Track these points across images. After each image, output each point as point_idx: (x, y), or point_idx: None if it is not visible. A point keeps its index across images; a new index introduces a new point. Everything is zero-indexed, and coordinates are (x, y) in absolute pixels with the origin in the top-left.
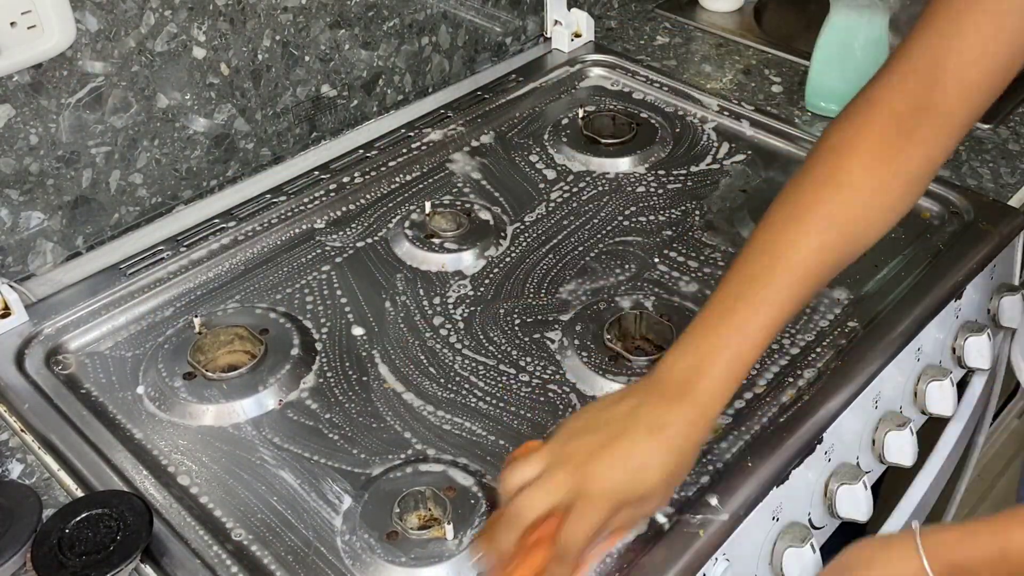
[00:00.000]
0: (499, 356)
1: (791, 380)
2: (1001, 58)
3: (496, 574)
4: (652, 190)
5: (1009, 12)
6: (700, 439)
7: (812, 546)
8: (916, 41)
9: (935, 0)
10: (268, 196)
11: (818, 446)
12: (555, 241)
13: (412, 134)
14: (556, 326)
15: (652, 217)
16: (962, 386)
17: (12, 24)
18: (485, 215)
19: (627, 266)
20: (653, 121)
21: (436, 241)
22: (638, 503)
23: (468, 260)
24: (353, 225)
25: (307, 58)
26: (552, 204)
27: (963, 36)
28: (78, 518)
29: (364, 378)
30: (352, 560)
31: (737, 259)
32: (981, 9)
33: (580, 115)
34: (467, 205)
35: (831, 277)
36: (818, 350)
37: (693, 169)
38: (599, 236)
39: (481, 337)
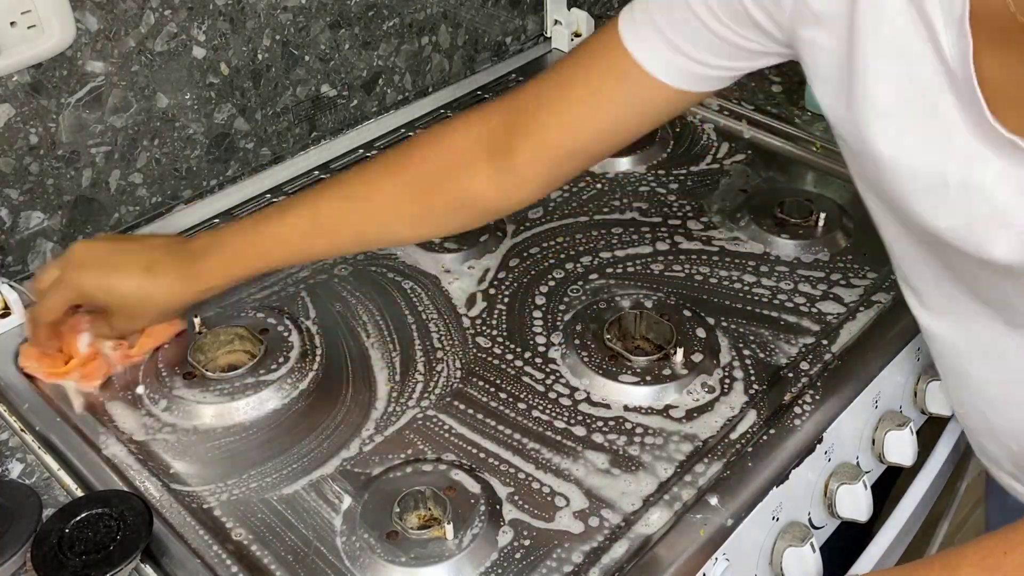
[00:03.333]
0: (499, 355)
1: (791, 380)
2: (592, 131)
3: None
4: (652, 190)
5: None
6: (181, 297)
7: (812, 546)
8: (524, 89)
9: (562, 65)
10: (268, 196)
11: (818, 446)
12: (555, 241)
13: (412, 134)
14: (556, 325)
15: (652, 217)
16: None
17: (12, 24)
18: None
19: (627, 266)
20: None
21: (436, 241)
22: (111, 313)
23: (468, 260)
24: None
25: (307, 58)
26: (552, 204)
27: (561, 104)
28: (78, 518)
29: (364, 378)
30: (352, 560)
31: (296, 196)
32: (576, 96)
33: None
34: None
35: (358, 247)
36: (817, 350)
37: (693, 169)
38: (599, 236)
39: (480, 337)
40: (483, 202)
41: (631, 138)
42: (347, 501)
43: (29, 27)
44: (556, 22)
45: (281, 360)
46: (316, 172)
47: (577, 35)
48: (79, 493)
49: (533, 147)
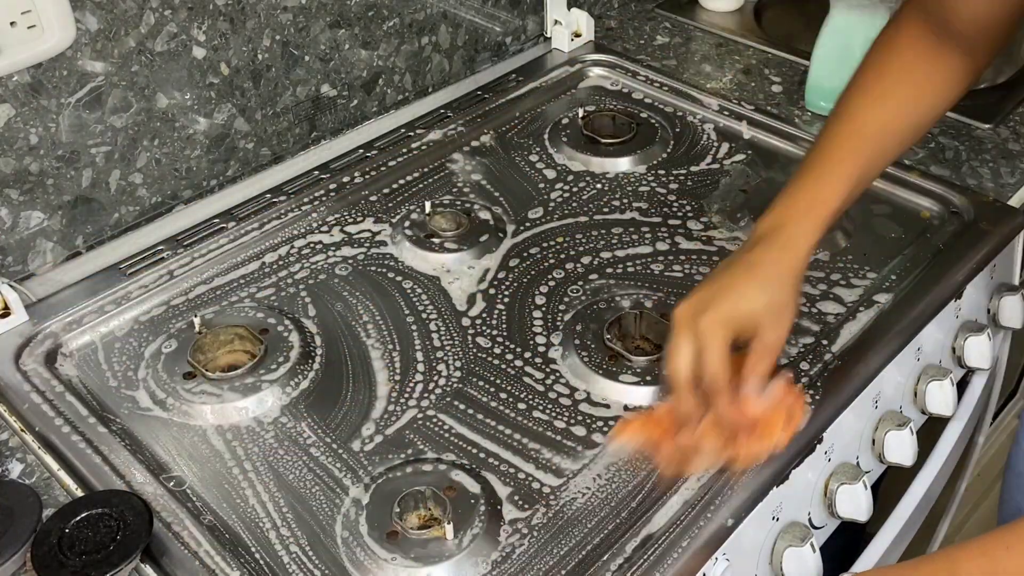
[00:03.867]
0: (499, 355)
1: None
2: None
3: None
4: (652, 190)
5: None
6: (793, 269)
7: (812, 546)
8: None
9: None
10: (268, 196)
11: (818, 446)
12: (555, 241)
13: (412, 134)
14: (556, 325)
15: (652, 217)
16: (962, 386)
17: (12, 24)
18: (485, 215)
19: (627, 266)
20: (653, 121)
21: (436, 241)
22: (755, 328)
23: (468, 260)
24: (353, 225)
25: (307, 58)
26: (552, 204)
27: None
28: (78, 518)
29: (364, 378)
30: (352, 560)
31: (816, 139)
32: None
33: (580, 115)
34: (467, 205)
35: (898, 152)
36: (817, 350)
37: (693, 169)
38: (599, 236)
39: (480, 337)
40: (956, 82)
41: None
42: (347, 501)
43: (29, 27)
44: (556, 22)
45: (281, 360)
46: (316, 172)
47: (577, 35)
48: (79, 493)
49: (967, 19)
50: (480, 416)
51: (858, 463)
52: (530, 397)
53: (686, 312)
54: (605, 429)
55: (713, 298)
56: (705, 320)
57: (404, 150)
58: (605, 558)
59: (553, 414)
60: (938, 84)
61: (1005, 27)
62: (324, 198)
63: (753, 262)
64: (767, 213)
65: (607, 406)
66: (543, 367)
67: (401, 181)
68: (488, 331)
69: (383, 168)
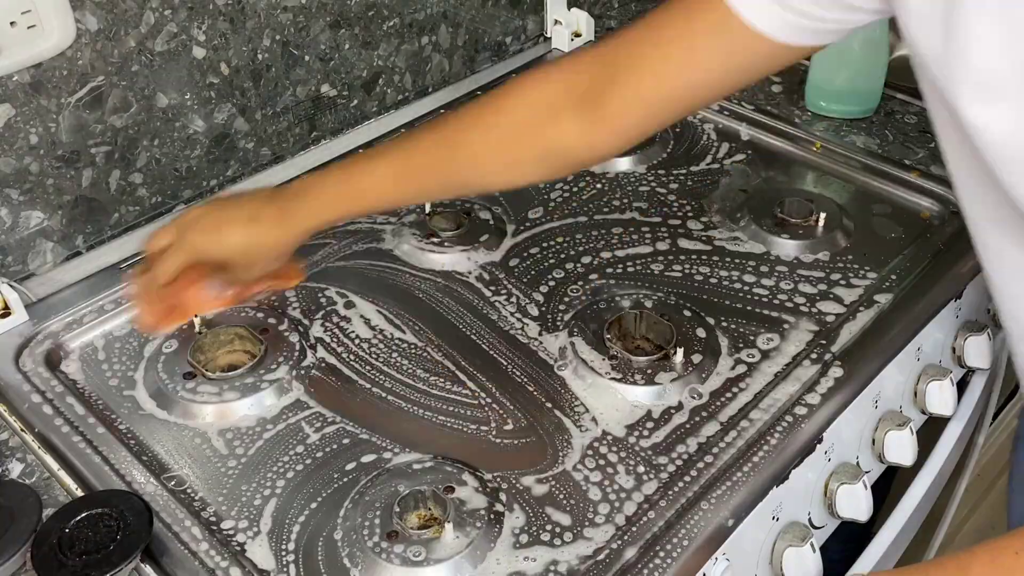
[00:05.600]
0: (499, 356)
1: (791, 380)
2: (684, 84)
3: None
4: (652, 190)
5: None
6: (286, 239)
7: (812, 546)
8: (618, 37)
9: (656, 14)
10: None
11: (818, 446)
12: (555, 241)
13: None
14: (556, 325)
15: (652, 217)
16: (962, 386)
17: (12, 24)
18: (485, 215)
19: (627, 266)
20: None
21: (436, 241)
22: (227, 266)
23: (468, 260)
24: (353, 225)
25: (307, 58)
26: (552, 204)
27: (655, 54)
28: (78, 518)
29: (364, 377)
30: (352, 560)
31: (399, 137)
32: (671, 49)
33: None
34: (467, 205)
35: (449, 195)
36: (817, 350)
37: (693, 169)
38: (599, 236)
39: (481, 337)
40: (571, 153)
41: (727, 92)
42: (347, 501)
43: (29, 27)
44: (556, 22)
45: (281, 360)
46: (316, 172)
47: (577, 35)
48: (79, 493)
49: (624, 99)
50: (481, 415)
51: (858, 463)
52: (531, 396)
53: (188, 218)
54: (600, 431)
55: (212, 225)
56: (189, 237)
57: None
58: (605, 558)
59: (554, 413)
60: (548, 138)
61: (660, 122)
62: None
63: (261, 217)
64: (313, 175)
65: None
66: (543, 367)
67: None
68: (488, 331)
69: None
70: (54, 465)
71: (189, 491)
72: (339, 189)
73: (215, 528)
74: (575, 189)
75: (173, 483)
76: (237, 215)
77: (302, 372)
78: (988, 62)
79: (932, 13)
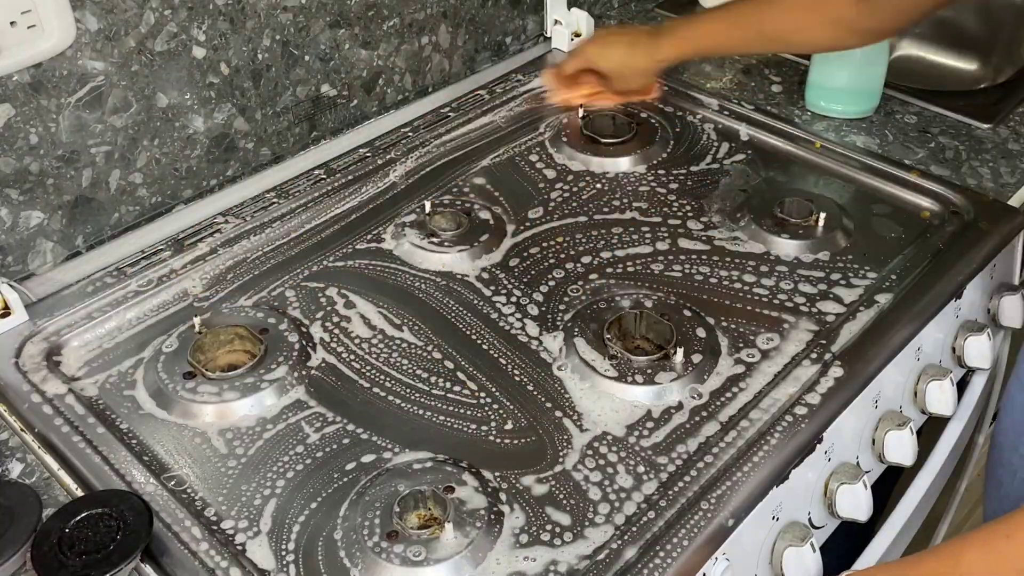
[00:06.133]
0: (499, 355)
1: (791, 380)
2: None
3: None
4: (652, 190)
5: None
6: (654, 63)
7: (812, 545)
8: None
9: None
10: (268, 195)
11: (818, 445)
12: (555, 241)
13: (412, 134)
14: (556, 325)
15: (652, 217)
16: (962, 386)
17: (12, 24)
18: (485, 215)
19: (627, 266)
20: (653, 121)
21: (436, 241)
22: (609, 76)
23: (468, 260)
24: (353, 225)
25: (307, 58)
26: (552, 204)
27: None
28: (78, 518)
29: (364, 377)
30: (352, 560)
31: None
32: None
33: (580, 115)
34: (467, 205)
35: (778, 47)
36: (817, 350)
37: (693, 169)
38: (599, 236)
39: (481, 337)
40: (848, 23)
41: None
42: (347, 501)
43: (29, 27)
44: (556, 22)
45: (281, 360)
46: (316, 172)
47: (577, 35)
48: (79, 493)
49: None
50: (481, 415)
51: (858, 463)
52: (531, 396)
53: (590, 41)
54: (601, 430)
55: (604, 43)
56: (585, 47)
57: (404, 150)
58: (605, 558)
59: (554, 413)
60: (827, 16)
61: (919, 8)
62: (324, 198)
63: (637, 42)
64: (678, 19)
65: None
66: (543, 367)
67: (401, 181)
68: (488, 331)
69: (383, 168)
70: (54, 465)
71: (189, 491)
72: (688, 34)
73: (215, 528)
74: (575, 189)
75: (173, 483)
76: (621, 39)
77: (302, 372)
78: None
79: None
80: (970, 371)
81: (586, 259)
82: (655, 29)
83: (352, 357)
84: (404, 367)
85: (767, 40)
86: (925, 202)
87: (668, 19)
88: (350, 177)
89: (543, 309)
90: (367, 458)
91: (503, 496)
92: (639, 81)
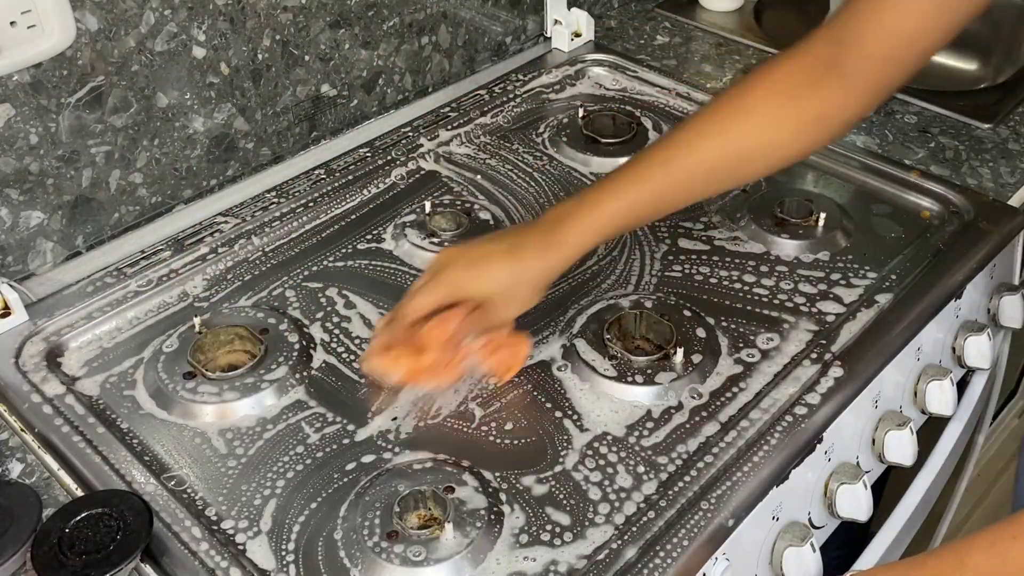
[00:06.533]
0: None
1: (791, 379)
2: (902, 35)
3: (379, 360)
4: None
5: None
6: (549, 268)
7: (812, 545)
8: (837, 12)
9: None
10: (268, 195)
11: (818, 446)
12: None
13: (412, 134)
14: (556, 326)
15: None
16: (962, 386)
17: (12, 24)
18: (485, 215)
19: (626, 266)
20: (653, 121)
21: (436, 241)
22: (487, 304)
23: None
24: (353, 225)
25: (307, 58)
26: (552, 204)
27: (871, 13)
28: (78, 518)
29: (364, 378)
30: (352, 560)
31: (642, 150)
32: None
33: (580, 115)
34: (467, 205)
35: (711, 192)
36: (817, 350)
37: None
38: None
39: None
40: (828, 119)
41: (945, 36)
42: (347, 501)
43: (29, 27)
44: (556, 22)
45: (281, 360)
46: (316, 172)
47: (577, 35)
48: (79, 493)
49: (857, 61)
50: (481, 415)
51: (858, 463)
52: (530, 396)
53: (444, 258)
54: (602, 429)
55: (471, 261)
56: (447, 274)
57: (404, 150)
58: (605, 558)
59: (553, 414)
60: (810, 110)
61: (893, 73)
62: (324, 197)
63: (523, 247)
64: (563, 201)
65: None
66: (542, 367)
67: (401, 181)
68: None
69: (383, 167)
70: (54, 465)
71: (189, 491)
72: (601, 211)
73: (215, 528)
74: (575, 189)
75: (173, 483)
76: (495, 249)
77: (302, 372)
78: None
79: None
80: (970, 371)
81: (586, 259)
82: (533, 225)
83: (352, 357)
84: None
85: (718, 179)
86: (925, 202)
87: (667, 23)
88: (350, 177)
89: (543, 309)
90: (367, 458)
91: (503, 496)
92: (531, 300)
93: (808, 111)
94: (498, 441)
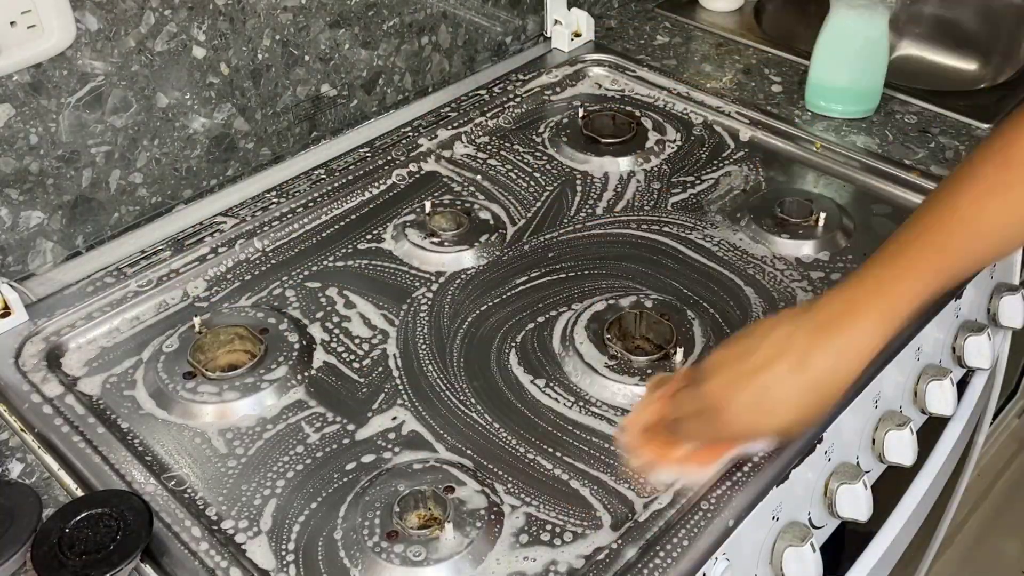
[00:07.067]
0: (499, 356)
1: None
2: None
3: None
4: (652, 190)
5: None
6: (844, 381)
7: (812, 545)
8: None
9: None
10: (268, 195)
11: (818, 446)
12: (555, 241)
13: (412, 134)
14: (556, 326)
15: (652, 216)
16: (962, 386)
17: (12, 24)
18: (485, 215)
19: (627, 265)
20: (653, 121)
21: (436, 241)
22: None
23: (468, 260)
24: (353, 225)
25: (307, 58)
26: (551, 204)
27: None
28: (78, 518)
29: (364, 378)
30: (352, 560)
31: (919, 210)
32: None
33: (580, 114)
34: (467, 205)
35: (1003, 255)
36: None
37: (693, 168)
38: (599, 236)
39: (481, 337)
40: None
41: None
42: (347, 500)
43: (29, 27)
44: (556, 22)
45: (281, 360)
46: (316, 172)
47: (577, 35)
48: (79, 493)
49: None
50: (480, 415)
51: (858, 463)
52: (530, 396)
53: (718, 391)
54: (604, 430)
55: (748, 385)
56: (729, 417)
57: (404, 150)
58: (605, 558)
59: (553, 415)
60: None
61: None
62: (324, 198)
63: (810, 363)
64: (842, 283)
65: (607, 406)
66: (542, 367)
67: (401, 181)
68: (488, 331)
69: (383, 167)
70: (54, 465)
71: (189, 491)
72: (885, 309)
73: (215, 528)
74: (575, 189)
75: (173, 483)
76: (778, 366)
77: (302, 372)
78: None
79: None
80: (970, 371)
81: (586, 259)
82: (812, 312)
83: (352, 357)
84: (402, 367)
85: (999, 255)
86: None
87: (667, 23)
88: (350, 177)
89: (543, 309)
90: (367, 458)
91: (503, 496)
92: (799, 430)
93: None
94: (499, 440)
